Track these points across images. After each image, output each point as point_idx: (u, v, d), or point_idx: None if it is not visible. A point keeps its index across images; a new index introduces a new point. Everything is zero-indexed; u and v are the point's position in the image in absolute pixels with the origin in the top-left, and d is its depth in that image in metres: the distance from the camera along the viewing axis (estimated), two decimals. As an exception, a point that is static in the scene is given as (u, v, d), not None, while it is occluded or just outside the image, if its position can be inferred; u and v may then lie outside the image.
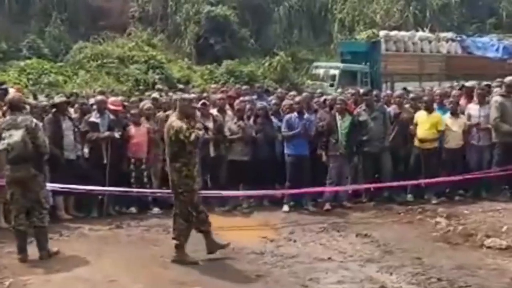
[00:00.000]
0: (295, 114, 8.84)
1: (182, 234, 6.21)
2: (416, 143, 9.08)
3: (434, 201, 8.86)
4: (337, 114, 8.83)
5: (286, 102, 9.35)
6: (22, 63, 21.73)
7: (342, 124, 8.76)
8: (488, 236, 6.93)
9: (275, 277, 5.80)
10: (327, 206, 8.68)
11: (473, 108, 9.34)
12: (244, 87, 12.93)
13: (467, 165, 9.22)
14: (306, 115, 8.94)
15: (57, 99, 8.60)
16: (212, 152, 8.72)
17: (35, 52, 23.97)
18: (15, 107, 6.38)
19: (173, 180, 6.22)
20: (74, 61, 23.74)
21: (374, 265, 6.12)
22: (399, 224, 7.85)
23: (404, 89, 13.88)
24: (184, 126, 6.06)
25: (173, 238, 6.26)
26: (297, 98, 9.50)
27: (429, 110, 9.12)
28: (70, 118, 8.33)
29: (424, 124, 8.99)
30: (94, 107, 8.76)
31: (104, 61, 23.57)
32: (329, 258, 6.38)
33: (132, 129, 8.55)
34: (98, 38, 26.42)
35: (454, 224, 7.62)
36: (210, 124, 8.59)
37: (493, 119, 8.95)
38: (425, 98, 9.62)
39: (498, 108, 8.92)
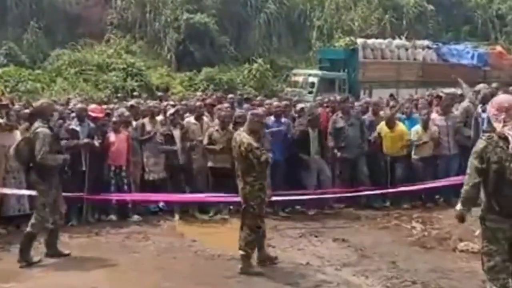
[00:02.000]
0: (272, 117, 8.98)
1: (249, 246, 6.21)
2: (384, 150, 9.26)
3: (405, 205, 9.04)
4: (309, 128, 8.93)
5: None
6: (-1, 71, 21.59)
7: (314, 136, 8.89)
8: (461, 240, 7.10)
9: (254, 282, 5.89)
10: (312, 211, 8.82)
11: (438, 119, 9.51)
12: (230, 95, 13.01)
13: (437, 172, 9.40)
14: (283, 119, 9.08)
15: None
16: (181, 160, 8.75)
17: (12, 59, 23.82)
18: (38, 114, 6.65)
19: (246, 193, 6.19)
20: (52, 68, 23.65)
21: (350, 269, 6.25)
22: (376, 229, 8.00)
23: (391, 95, 14.14)
24: (255, 145, 6.10)
25: (240, 249, 6.24)
26: (275, 103, 9.68)
27: (390, 126, 9.21)
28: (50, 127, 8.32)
29: (387, 139, 9.16)
30: (73, 114, 8.78)
31: (83, 68, 23.54)
32: (307, 263, 6.49)
33: (112, 136, 8.59)
34: (76, 45, 26.33)
35: (428, 229, 7.82)
36: (177, 132, 8.72)
37: (458, 122, 9.16)
38: (385, 114, 9.72)
39: (463, 114, 9.14)
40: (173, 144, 8.68)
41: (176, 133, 8.77)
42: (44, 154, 6.32)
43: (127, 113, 9.11)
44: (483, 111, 8.15)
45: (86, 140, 8.24)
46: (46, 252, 6.62)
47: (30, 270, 6.22)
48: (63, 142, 7.88)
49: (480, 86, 9.64)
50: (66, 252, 6.65)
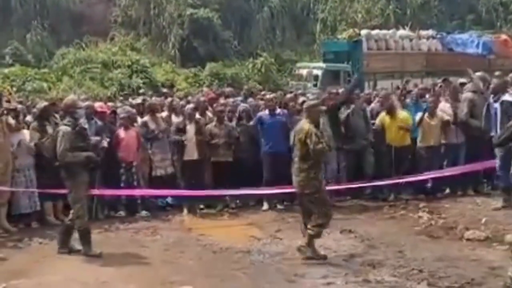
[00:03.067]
0: (266, 111, 9.05)
1: (318, 228, 6.34)
2: (388, 141, 9.23)
3: (411, 196, 9.06)
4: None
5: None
6: (5, 70, 21.72)
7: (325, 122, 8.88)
8: (467, 229, 7.14)
9: (262, 275, 5.96)
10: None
11: (446, 107, 9.48)
12: (228, 88, 13.14)
13: (443, 162, 9.40)
14: (278, 111, 9.12)
15: (41, 104, 8.66)
16: (196, 156, 8.80)
17: (18, 59, 24.00)
18: (65, 111, 6.79)
19: (300, 180, 6.36)
20: (58, 67, 23.77)
21: (358, 260, 6.30)
22: (382, 220, 8.04)
23: (407, 82, 14.11)
24: (314, 131, 6.27)
25: (308, 229, 6.37)
26: (268, 96, 9.75)
27: (391, 114, 9.21)
28: (56, 124, 8.41)
29: (390, 128, 9.13)
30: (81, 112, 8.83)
31: (88, 66, 23.64)
32: (315, 254, 6.54)
33: (121, 133, 8.64)
34: (81, 44, 26.43)
35: (435, 218, 7.85)
36: (192, 127, 8.78)
37: (464, 114, 9.14)
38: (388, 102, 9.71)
39: (468, 104, 9.12)
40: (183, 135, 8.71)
41: (191, 128, 8.82)
42: (63, 152, 6.40)
43: (134, 110, 9.19)
44: (495, 101, 8.11)
45: (94, 139, 8.29)
46: (58, 249, 6.71)
47: (41, 266, 6.31)
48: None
49: (478, 74, 9.60)
50: (78, 248, 6.72)
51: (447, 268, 5.92)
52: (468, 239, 6.89)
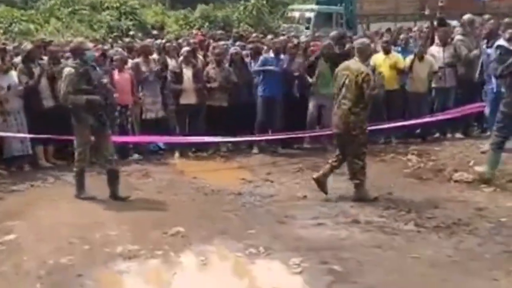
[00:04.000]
0: (271, 54, 8.96)
1: (360, 173, 6.42)
2: None
3: (401, 139, 9.15)
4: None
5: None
6: (-9, 12, 21.23)
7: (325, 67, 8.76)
8: (456, 171, 7.26)
9: (253, 216, 6.06)
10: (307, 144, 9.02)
11: (436, 50, 9.40)
12: (219, 31, 12.96)
13: (432, 105, 9.41)
14: (282, 56, 9.05)
15: (27, 46, 8.47)
16: (194, 100, 8.73)
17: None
18: (73, 53, 6.61)
19: (349, 122, 6.30)
20: (45, 9, 23.22)
21: (347, 201, 6.40)
22: (372, 163, 8.03)
23: (388, 29, 14.00)
24: (372, 76, 6.30)
25: (351, 179, 6.47)
26: (275, 40, 9.64)
27: (386, 51, 9.20)
28: (41, 65, 8.28)
29: (382, 66, 9.00)
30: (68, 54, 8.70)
31: (76, 7, 23.13)
32: (305, 197, 6.65)
33: (116, 75, 8.51)
34: (68, -16, 25.71)
35: (424, 161, 7.96)
36: (189, 71, 8.69)
37: (464, 55, 9.08)
38: (384, 39, 9.68)
39: (464, 44, 9.06)
40: (181, 82, 8.61)
41: (188, 72, 8.72)
42: (65, 94, 6.30)
43: (124, 52, 9.07)
44: (489, 47, 8.04)
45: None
46: (109, 193, 6.64)
47: (34, 208, 6.37)
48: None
49: (466, 17, 9.50)
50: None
51: (435, 209, 6.05)
52: (456, 181, 7.02)
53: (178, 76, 8.67)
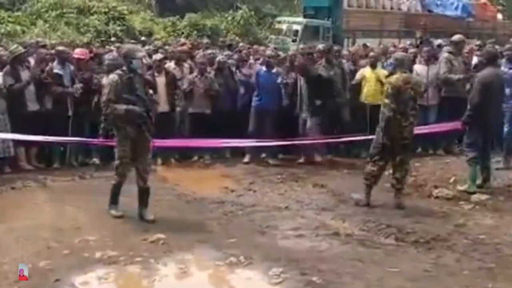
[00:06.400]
0: (264, 67, 9.03)
1: (404, 182, 6.82)
2: (363, 99, 9.26)
3: None
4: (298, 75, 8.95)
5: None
6: (-23, 12, 21.00)
7: (303, 84, 8.91)
8: (436, 187, 7.34)
9: (234, 225, 6.06)
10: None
11: (420, 69, 9.49)
12: (205, 40, 12.98)
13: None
14: (275, 69, 9.10)
15: (15, 49, 8.41)
16: (167, 108, 8.69)
17: (-10, 0, 23.15)
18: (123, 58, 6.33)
19: (410, 130, 6.64)
20: (32, 11, 23.05)
21: (329, 213, 6.43)
22: (354, 176, 8.14)
23: (364, 45, 14.13)
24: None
25: (401, 188, 6.78)
26: (268, 52, 9.70)
27: (373, 66, 9.29)
28: (28, 68, 8.25)
29: (369, 80, 9.15)
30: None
31: (63, 11, 22.98)
32: (286, 207, 6.67)
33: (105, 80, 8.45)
34: (56, -13, 25.58)
35: (406, 176, 8.01)
36: (162, 79, 8.68)
37: (442, 73, 9.22)
38: (371, 54, 9.78)
39: (446, 64, 9.19)
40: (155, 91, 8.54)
41: (161, 79, 8.72)
42: (106, 102, 5.94)
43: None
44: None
45: (71, 90, 8.18)
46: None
47: (15, 211, 6.30)
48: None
49: (455, 37, 9.65)
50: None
51: (415, 224, 6.09)
52: (436, 197, 7.09)
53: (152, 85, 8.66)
